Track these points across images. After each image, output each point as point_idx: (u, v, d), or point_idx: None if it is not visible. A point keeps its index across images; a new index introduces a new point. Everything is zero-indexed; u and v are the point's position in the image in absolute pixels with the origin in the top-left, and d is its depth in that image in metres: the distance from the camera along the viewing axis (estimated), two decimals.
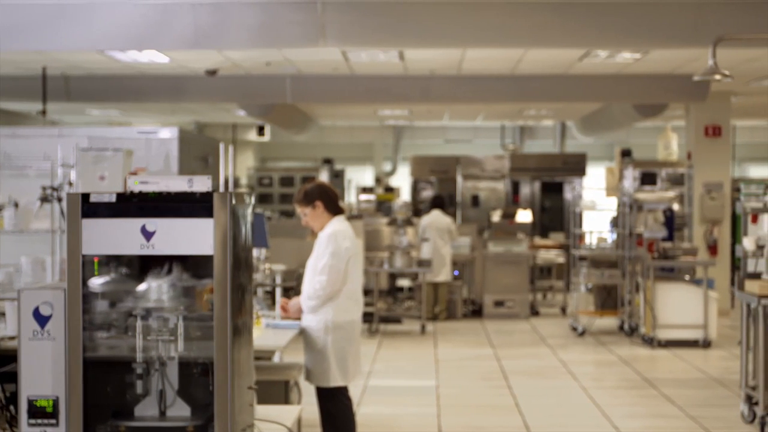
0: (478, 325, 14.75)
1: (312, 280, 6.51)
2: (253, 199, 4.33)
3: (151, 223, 3.92)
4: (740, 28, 8.98)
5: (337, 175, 21.45)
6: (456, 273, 15.51)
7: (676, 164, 16.90)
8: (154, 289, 4.08)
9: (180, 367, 4.10)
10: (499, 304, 15.38)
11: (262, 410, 4.92)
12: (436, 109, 18.63)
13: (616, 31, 9.73)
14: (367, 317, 14.19)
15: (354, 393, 9.69)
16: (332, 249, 6.51)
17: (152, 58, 12.28)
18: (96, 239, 3.93)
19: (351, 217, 15.65)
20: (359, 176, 24.88)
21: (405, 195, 21.95)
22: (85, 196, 3.94)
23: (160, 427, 4.05)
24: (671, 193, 13.67)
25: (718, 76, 7.31)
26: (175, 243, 3.93)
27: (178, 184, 4.10)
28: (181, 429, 4.01)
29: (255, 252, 7.48)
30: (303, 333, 6.59)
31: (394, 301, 14.90)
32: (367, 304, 14.65)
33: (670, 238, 13.21)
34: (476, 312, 15.56)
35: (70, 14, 9.08)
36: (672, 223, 13.39)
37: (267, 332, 6.64)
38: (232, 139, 21.95)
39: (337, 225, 6.67)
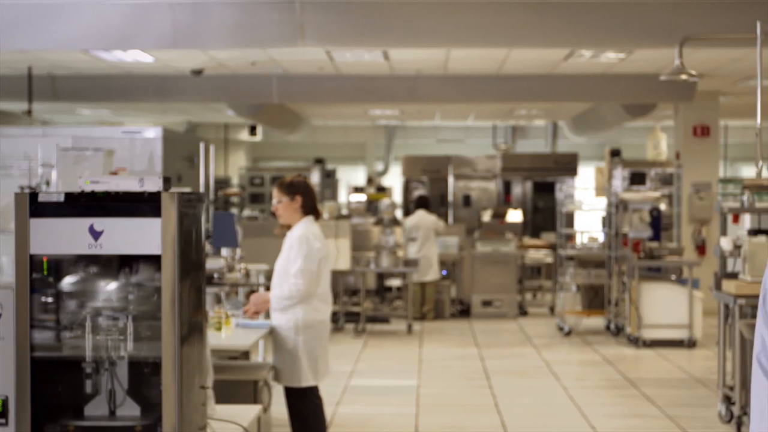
0: (465, 324, 14.75)
1: (285, 283, 6.49)
2: (205, 199, 4.33)
3: (99, 223, 3.92)
4: (718, 28, 8.98)
5: (329, 175, 21.44)
6: (444, 273, 15.51)
7: (665, 164, 16.90)
8: (104, 288, 4.08)
9: (130, 366, 4.11)
10: (487, 303, 15.38)
11: (221, 409, 4.93)
12: (427, 108, 18.64)
13: (597, 30, 9.73)
14: (353, 317, 14.20)
15: (334, 392, 9.74)
16: (305, 252, 6.49)
17: (137, 57, 12.29)
18: (44, 239, 3.94)
19: (339, 217, 15.66)
20: (352, 176, 24.88)
21: (397, 195, 21.95)
22: (33, 196, 3.94)
23: (109, 426, 4.05)
24: (656, 193, 13.65)
25: (684, 76, 7.31)
26: (122, 243, 3.93)
27: (129, 184, 4.11)
28: (129, 428, 4.02)
29: (225, 252, 7.48)
30: (272, 333, 6.60)
31: (381, 301, 14.90)
32: (353, 304, 14.67)
33: (656, 237, 13.20)
34: (464, 312, 15.55)
35: (48, 14, 9.09)
36: (659, 223, 13.38)
37: (237, 332, 6.64)
38: (224, 138, 21.97)
39: (308, 227, 6.64)
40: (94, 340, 4.05)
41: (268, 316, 7.00)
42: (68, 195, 3.97)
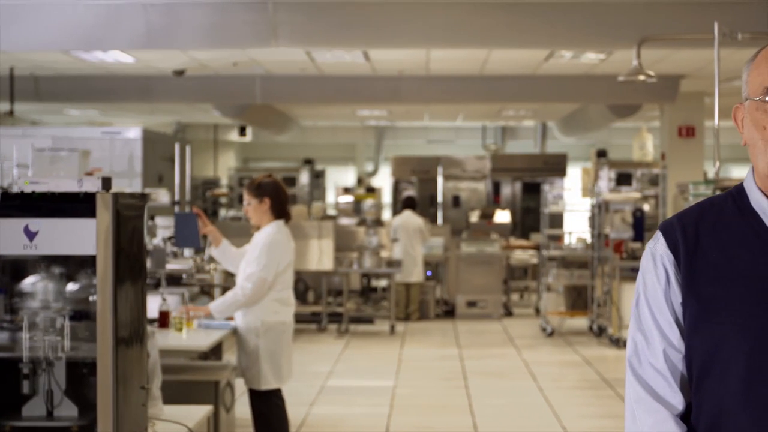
0: (449, 325, 14.74)
1: (239, 282, 6.49)
2: (147, 200, 4.33)
3: (34, 224, 3.92)
4: (692, 29, 8.97)
5: (318, 176, 21.44)
6: (429, 273, 15.51)
7: (651, 165, 16.89)
8: (41, 288, 4.09)
9: (68, 367, 4.11)
10: (471, 304, 15.37)
11: (171, 410, 4.93)
12: (415, 109, 18.64)
13: (572, 31, 9.73)
14: (336, 317, 14.20)
15: (309, 393, 9.75)
16: (265, 261, 6.44)
17: (118, 58, 12.29)
18: None
19: (324, 218, 15.65)
20: (342, 176, 24.90)
21: (386, 195, 21.95)
22: None
23: (46, 426, 4.06)
24: (637, 194, 13.66)
25: (642, 77, 7.31)
26: (57, 243, 3.94)
27: (69, 184, 4.11)
28: (65, 429, 4.02)
29: (187, 252, 7.47)
30: (236, 334, 6.60)
31: (364, 302, 14.89)
32: (337, 305, 14.66)
33: (639, 238, 13.18)
34: (449, 312, 15.55)
35: (20, 14, 9.09)
36: (642, 224, 13.37)
37: (199, 332, 6.64)
38: (214, 139, 21.97)
39: (276, 233, 6.56)
40: (31, 341, 4.05)
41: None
42: (4, 195, 3.98)
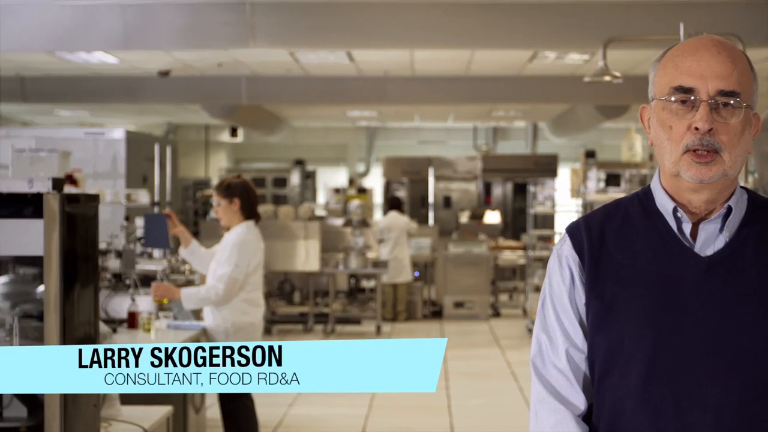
0: (436, 326, 14.74)
1: (210, 283, 6.50)
2: (99, 200, 4.32)
3: None
4: (671, 31, 8.96)
5: (308, 176, 21.43)
6: (417, 274, 15.51)
7: (639, 165, 16.85)
8: None
9: None
10: (459, 305, 15.36)
11: (129, 410, 4.93)
12: (405, 110, 18.64)
13: (556, 32, 9.74)
14: (322, 318, 14.20)
15: (288, 394, 9.74)
16: (236, 261, 6.44)
17: (102, 58, 12.28)
18: None
19: (311, 218, 15.65)
20: (334, 177, 24.90)
21: (378, 196, 21.95)
22: None
23: None
24: (621, 194, 13.63)
25: (608, 78, 7.30)
26: (5, 244, 3.94)
27: (19, 185, 4.11)
28: (13, 429, 4.02)
29: (157, 253, 7.47)
30: (205, 334, 6.60)
31: (350, 302, 14.89)
32: (325, 305, 14.67)
33: None
34: (437, 313, 15.55)
35: None
36: None
37: (167, 333, 6.64)
38: (205, 140, 21.97)
39: (246, 233, 6.57)
40: None
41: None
42: None
